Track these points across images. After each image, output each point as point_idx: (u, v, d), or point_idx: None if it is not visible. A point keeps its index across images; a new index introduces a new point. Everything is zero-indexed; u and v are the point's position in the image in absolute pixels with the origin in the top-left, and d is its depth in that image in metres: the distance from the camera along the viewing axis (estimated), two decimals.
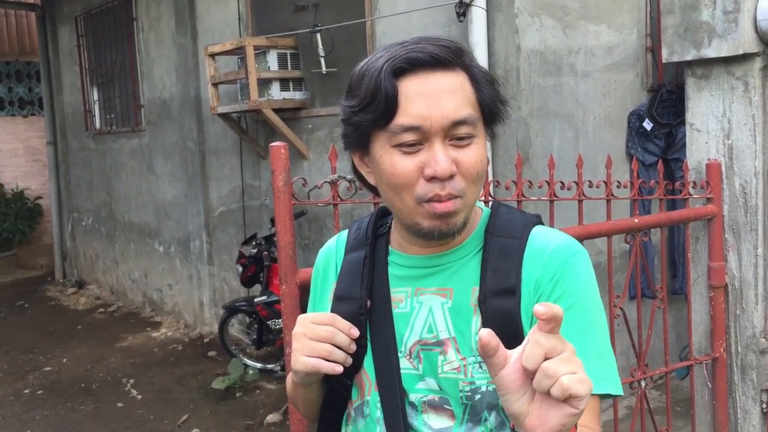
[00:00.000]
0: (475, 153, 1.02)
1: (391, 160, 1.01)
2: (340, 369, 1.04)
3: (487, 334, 0.78)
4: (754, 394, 2.81)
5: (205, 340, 6.03)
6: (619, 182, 2.59)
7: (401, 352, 1.09)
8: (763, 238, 2.74)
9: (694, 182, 2.80)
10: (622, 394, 1.05)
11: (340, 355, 1.05)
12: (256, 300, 4.90)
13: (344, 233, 1.24)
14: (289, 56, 4.82)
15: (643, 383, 2.70)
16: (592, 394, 0.97)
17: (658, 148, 4.21)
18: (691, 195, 2.77)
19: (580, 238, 2.46)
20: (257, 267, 4.98)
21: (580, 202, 2.49)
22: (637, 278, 2.79)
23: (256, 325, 5.05)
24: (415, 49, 0.99)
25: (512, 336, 0.98)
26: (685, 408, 3.42)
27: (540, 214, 1.17)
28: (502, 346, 0.79)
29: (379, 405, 1.10)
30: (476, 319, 1.05)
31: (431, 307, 1.08)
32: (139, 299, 7.32)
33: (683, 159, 2.92)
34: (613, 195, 2.56)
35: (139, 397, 4.97)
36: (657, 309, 2.74)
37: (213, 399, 4.81)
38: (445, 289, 1.08)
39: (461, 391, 1.04)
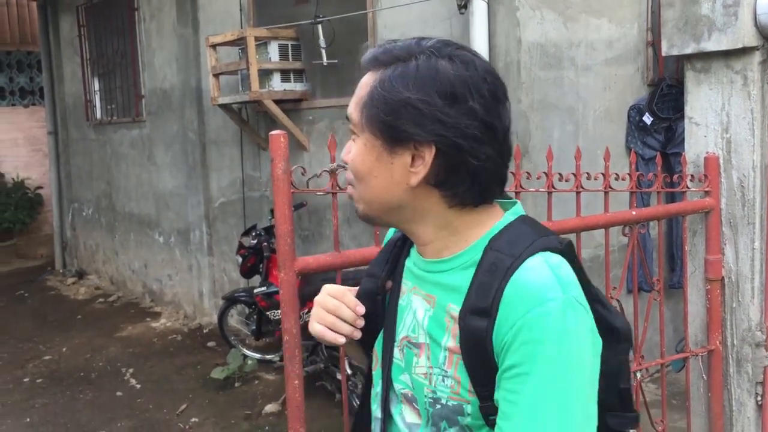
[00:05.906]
0: (354, 151, 1.04)
1: None
2: (342, 340, 1.09)
3: None
4: (749, 386, 2.83)
5: (205, 331, 6.05)
6: (617, 174, 2.59)
7: (395, 341, 1.11)
8: (760, 231, 2.75)
9: (692, 175, 2.81)
10: None
11: (344, 327, 1.09)
12: (255, 291, 4.92)
13: None
14: (290, 47, 4.82)
15: (639, 375, 2.71)
16: None
17: (657, 142, 4.22)
18: (688, 188, 2.78)
19: (578, 230, 2.47)
20: (257, 258, 5.00)
21: (578, 193, 2.50)
22: (634, 271, 2.80)
23: (255, 316, 5.07)
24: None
25: (480, 357, 0.95)
26: (681, 402, 3.44)
27: (562, 241, 1.01)
28: None
29: (380, 381, 1.14)
30: (447, 334, 1.02)
31: (416, 309, 1.09)
32: (138, 289, 7.34)
33: (682, 153, 2.93)
34: (611, 187, 2.56)
35: (138, 386, 4.99)
36: (653, 302, 2.75)
37: (212, 389, 4.83)
38: (431, 296, 1.07)
39: (425, 396, 1.05)
